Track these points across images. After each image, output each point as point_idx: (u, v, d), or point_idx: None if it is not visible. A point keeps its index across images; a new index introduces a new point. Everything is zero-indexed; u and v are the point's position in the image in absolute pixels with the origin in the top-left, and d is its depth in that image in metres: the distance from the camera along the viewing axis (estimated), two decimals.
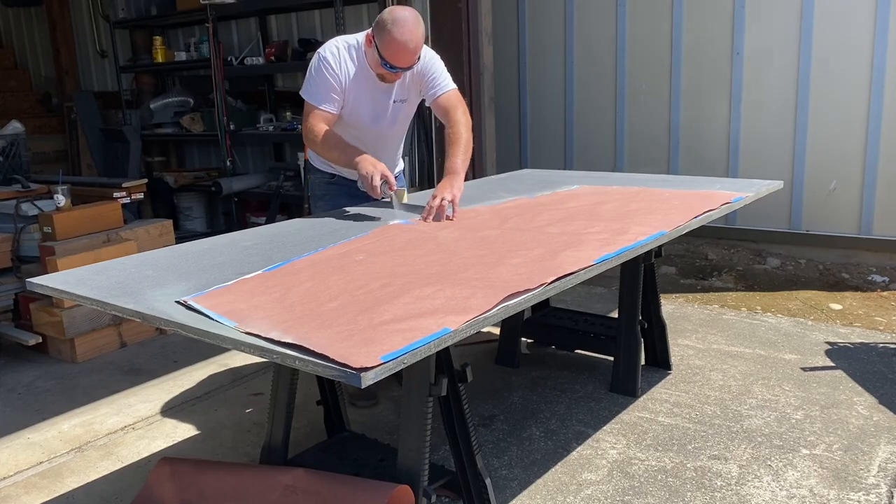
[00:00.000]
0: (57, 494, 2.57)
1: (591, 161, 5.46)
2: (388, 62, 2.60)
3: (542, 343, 3.63)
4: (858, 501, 2.30)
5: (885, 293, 4.27)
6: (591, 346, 3.37)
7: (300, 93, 2.80)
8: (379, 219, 2.66)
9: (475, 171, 4.29)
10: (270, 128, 5.74)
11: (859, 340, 3.58)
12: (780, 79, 4.66)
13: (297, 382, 2.29)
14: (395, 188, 2.74)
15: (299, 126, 5.26)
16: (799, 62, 4.58)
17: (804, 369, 3.26)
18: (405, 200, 2.82)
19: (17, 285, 3.94)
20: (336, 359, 1.40)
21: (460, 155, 2.76)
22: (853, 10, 4.37)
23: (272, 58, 5.50)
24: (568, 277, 1.90)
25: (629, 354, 3.07)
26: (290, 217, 4.19)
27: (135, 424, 3.07)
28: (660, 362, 3.32)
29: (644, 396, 3.06)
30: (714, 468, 2.51)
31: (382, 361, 1.39)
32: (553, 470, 2.55)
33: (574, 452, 2.65)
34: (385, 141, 2.95)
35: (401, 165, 3.21)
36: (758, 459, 2.55)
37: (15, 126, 5.02)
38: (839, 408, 2.90)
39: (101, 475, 2.69)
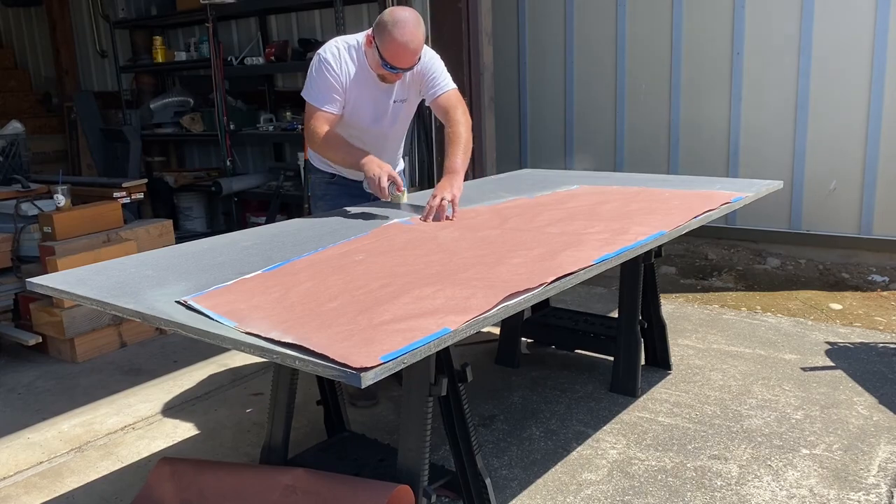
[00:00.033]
0: (57, 494, 2.57)
1: (591, 161, 5.46)
2: (389, 63, 2.61)
3: (542, 343, 3.63)
4: (858, 501, 2.30)
5: (885, 293, 4.27)
6: (591, 346, 3.37)
7: (301, 94, 2.80)
8: (379, 219, 2.66)
9: (475, 171, 4.29)
10: (270, 128, 5.74)
11: (859, 340, 3.58)
12: (780, 78, 4.66)
13: (297, 382, 2.29)
14: (403, 189, 2.75)
15: (299, 126, 5.28)
16: (799, 62, 4.58)
17: (804, 369, 3.26)
18: (405, 200, 2.83)
19: (17, 285, 3.94)
20: (336, 359, 1.40)
21: (460, 155, 2.76)
22: (853, 9, 4.37)
23: (272, 58, 5.50)
24: (568, 277, 1.90)
25: (629, 354, 3.07)
26: (290, 217, 4.18)
27: (135, 424, 3.07)
28: (660, 362, 3.32)
29: (644, 396, 3.06)
30: (714, 468, 2.51)
31: (382, 361, 1.39)
32: (553, 470, 2.55)
33: (574, 452, 2.65)
34: (386, 141, 2.96)
35: (401, 165, 3.21)
36: (758, 459, 2.55)
37: (15, 126, 5.02)
38: (839, 408, 2.90)
39: (101, 475, 2.69)
